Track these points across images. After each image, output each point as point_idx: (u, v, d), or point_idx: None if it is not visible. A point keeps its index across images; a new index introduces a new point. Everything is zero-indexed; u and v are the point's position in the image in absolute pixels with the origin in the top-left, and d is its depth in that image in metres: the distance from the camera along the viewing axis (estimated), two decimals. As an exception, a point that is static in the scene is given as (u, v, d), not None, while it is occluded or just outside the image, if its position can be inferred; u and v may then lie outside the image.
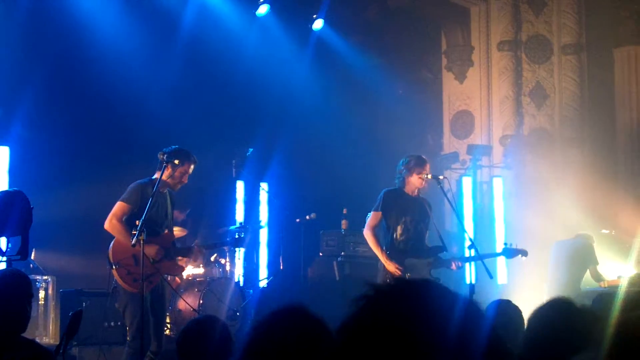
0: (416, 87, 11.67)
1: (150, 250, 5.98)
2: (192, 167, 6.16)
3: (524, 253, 7.29)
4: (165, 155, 6.01)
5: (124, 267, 5.87)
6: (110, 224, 5.94)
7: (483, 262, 6.70)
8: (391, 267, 6.57)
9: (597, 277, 8.68)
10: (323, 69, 10.38)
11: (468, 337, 1.03)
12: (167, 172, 6.05)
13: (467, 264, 7.21)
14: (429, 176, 6.92)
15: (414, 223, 6.86)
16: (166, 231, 6.22)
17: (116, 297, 6.00)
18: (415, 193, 6.91)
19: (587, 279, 8.82)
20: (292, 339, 1.55)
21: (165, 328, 6.98)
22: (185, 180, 6.20)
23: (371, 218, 6.80)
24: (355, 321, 1.06)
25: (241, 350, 1.56)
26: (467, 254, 7.07)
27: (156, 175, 6.14)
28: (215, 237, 8.73)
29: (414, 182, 6.86)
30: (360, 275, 8.96)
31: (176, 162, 6.06)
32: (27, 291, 3.59)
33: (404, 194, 6.87)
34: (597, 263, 8.78)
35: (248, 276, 9.46)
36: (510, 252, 7.12)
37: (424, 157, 6.98)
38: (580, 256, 8.80)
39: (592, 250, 8.85)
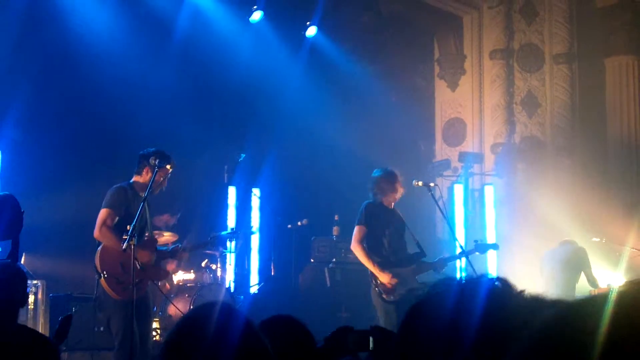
0: (409, 95, 11.69)
1: (143, 256, 5.94)
2: (170, 170, 6.12)
3: (495, 247, 7.61)
4: (158, 160, 5.96)
5: (113, 276, 5.72)
6: (100, 232, 5.84)
7: (469, 262, 6.78)
8: (385, 278, 6.61)
9: (593, 282, 8.70)
10: (316, 75, 10.38)
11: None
12: (148, 176, 5.99)
13: (457, 265, 7.27)
14: (420, 183, 7.01)
15: (397, 234, 6.93)
16: (147, 234, 6.17)
17: (99, 306, 5.87)
18: (392, 205, 6.98)
19: (580, 286, 8.84)
20: (282, 349, 1.55)
21: (155, 334, 6.96)
22: (165, 183, 6.15)
23: (357, 232, 6.84)
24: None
25: None
26: (457, 262, 7.16)
27: (135, 179, 6.10)
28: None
29: (394, 196, 6.97)
30: (351, 281, 8.97)
31: (168, 167, 6.03)
32: (18, 282, 3.57)
33: (384, 207, 6.96)
34: (591, 267, 8.82)
35: (239, 282, 9.46)
36: (483, 247, 7.22)
37: (394, 170, 7.03)
38: (575, 261, 8.83)
39: (585, 254, 8.91)
